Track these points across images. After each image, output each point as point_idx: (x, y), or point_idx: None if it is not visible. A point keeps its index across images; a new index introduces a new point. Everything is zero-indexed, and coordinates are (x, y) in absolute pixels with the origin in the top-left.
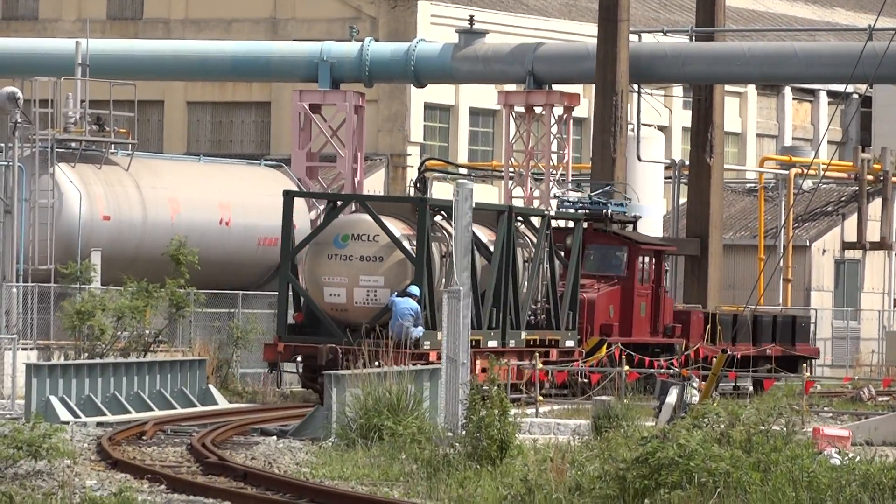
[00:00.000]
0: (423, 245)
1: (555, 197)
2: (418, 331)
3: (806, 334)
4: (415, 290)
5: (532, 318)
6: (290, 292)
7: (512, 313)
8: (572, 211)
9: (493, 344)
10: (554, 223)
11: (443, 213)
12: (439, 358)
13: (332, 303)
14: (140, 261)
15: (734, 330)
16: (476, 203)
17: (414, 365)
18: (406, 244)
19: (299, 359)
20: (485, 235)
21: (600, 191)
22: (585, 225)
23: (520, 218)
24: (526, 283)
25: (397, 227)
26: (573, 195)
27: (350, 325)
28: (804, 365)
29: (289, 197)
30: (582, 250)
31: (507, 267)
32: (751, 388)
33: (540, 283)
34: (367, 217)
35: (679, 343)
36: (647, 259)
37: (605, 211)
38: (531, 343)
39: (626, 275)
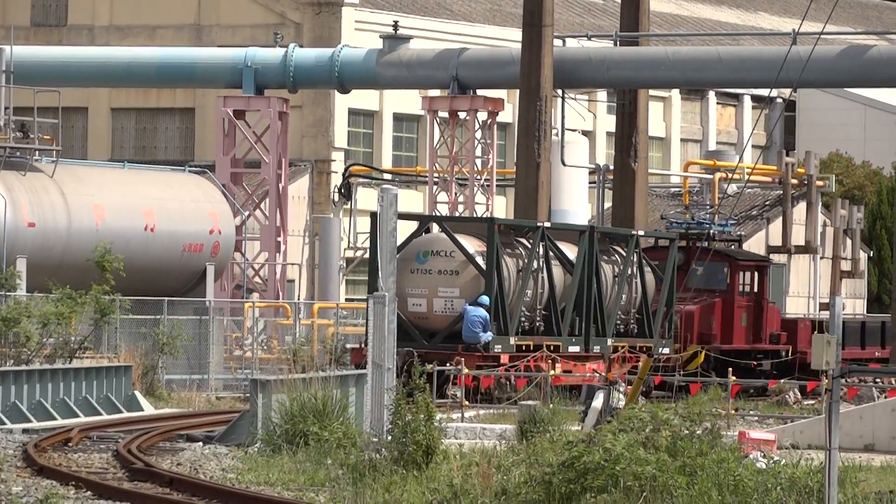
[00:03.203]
0: (493, 260)
1: (662, 217)
2: (487, 336)
3: None
4: (485, 299)
5: (622, 327)
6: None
7: (598, 322)
8: (671, 231)
9: (574, 349)
10: (661, 243)
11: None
12: (511, 360)
13: (415, 311)
14: (65, 267)
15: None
16: (554, 223)
17: (484, 366)
18: (479, 259)
19: None
20: (572, 252)
21: (705, 212)
22: (683, 243)
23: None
24: (613, 295)
25: (472, 245)
26: (679, 216)
27: (430, 331)
28: None
29: (372, 217)
30: (687, 267)
31: (590, 280)
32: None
33: (631, 295)
34: (445, 236)
35: (785, 349)
36: (747, 274)
37: (709, 230)
38: (620, 349)
39: (727, 288)
